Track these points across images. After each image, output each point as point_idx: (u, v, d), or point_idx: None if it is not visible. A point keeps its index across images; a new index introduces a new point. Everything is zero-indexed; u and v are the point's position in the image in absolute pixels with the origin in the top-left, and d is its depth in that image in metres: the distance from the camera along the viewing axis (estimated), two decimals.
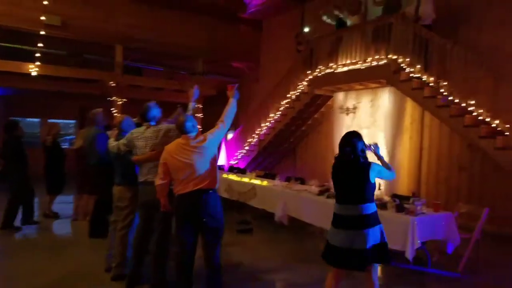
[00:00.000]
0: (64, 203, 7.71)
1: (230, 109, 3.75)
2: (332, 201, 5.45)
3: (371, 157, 3.49)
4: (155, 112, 4.19)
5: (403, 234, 4.45)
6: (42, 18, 9.63)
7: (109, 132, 5.40)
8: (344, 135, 3.51)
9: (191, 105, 4.08)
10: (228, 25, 12.21)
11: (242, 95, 13.43)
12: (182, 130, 3.61)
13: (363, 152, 3.40)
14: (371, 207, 3.34)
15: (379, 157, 3.62)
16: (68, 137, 15.67)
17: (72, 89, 11.43)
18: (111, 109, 11.14)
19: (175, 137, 3.89)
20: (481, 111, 5.99)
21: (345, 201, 3.35)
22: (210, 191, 3.56)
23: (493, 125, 5.88)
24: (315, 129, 10.37)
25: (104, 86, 11.15)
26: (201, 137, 3.59)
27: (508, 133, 5.66)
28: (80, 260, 5.02)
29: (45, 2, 9.65)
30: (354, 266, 3.26)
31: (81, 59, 11.77)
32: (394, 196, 5.42)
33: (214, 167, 3.67)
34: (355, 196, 3.31)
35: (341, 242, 3.26)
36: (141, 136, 4.07)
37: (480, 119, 6.03)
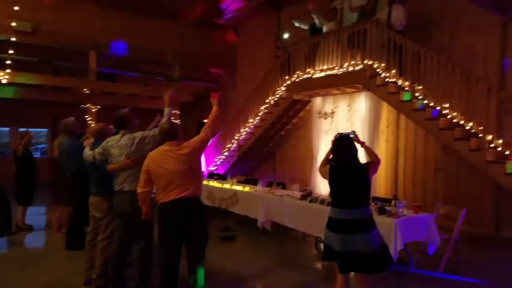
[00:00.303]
0: (37, 215, 7.43)
1: (215, 116, 3.70)
2: (314, 205, 5.58)
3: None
4: (129, 119, 4.12)
5: (386, 236, 4.44)
6: (13, 24, 9.34)
7: (85, 142, 5.26)
8: (339, 139, 3.56)
9: (167, 110, 3.96)
10: (204, 30, 12.15)
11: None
12: (166, 137, 3.55)
13: (357, 154, 3.47)
14: (370, 210, 3.39)
15: (362, 143, 3.66)
16: (39, 146, 15.18)
17: (44, 97, 11.14)
18: (85, 116, 10.88)
19: (151, 144, 3.85)
20: (455, 114, 6.15)
21: (343, 205, 3.35)
22: (194, 200, 3.50)
23: (467, 128, 6.03)
24: (294, 133, 10.43)
25: (77, 93, 10.89)
26: (185, 145, 3.53)
27: (481, 135, 5.83)
28: (58, 273, 4.83)
29: (16, 8, 9.36)
30: (362, 269, 3.28)
31: (53, 66, 11.46)
32: (375, 199, 5.49)
33: (199, 176, 3.61)
34: (353, 199, 3.33)
35: (344, 246, 3.26)
36: (116, 144, 3.98)
37: (454, 122, 6.20)
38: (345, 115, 8.13)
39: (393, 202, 5.05)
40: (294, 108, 9.34)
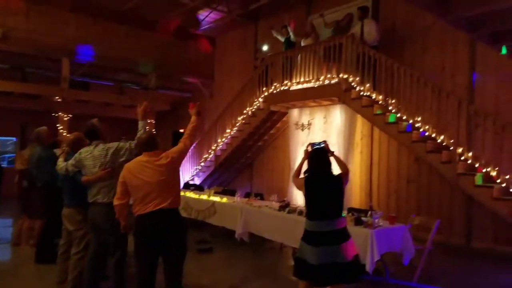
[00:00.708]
0: (2, 227, 7.10)
1: (193, 126, 3.67)
2: (292, 216, 5.59)
3: None
4: (100, 128, 4.05)
5: (362, 247, 4.52)
6: None
7: (56, 151, 5.09)
8: (315, 151, 3.63)
9: (141, 124, 3.86)
10: (181, 40, 12.09)
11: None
12: (144, 148, 3.48)
13: (331, 165, 3.54)
14: (344, 221, 3.43)
15: (332, 153, 3.73)
16: (7, 156, 14.59)
17: (13, 105, 10.75)
18: (57, 125, 10.57)
19: (126, 156, 3.82)
20: (428, 127, 6.33)
21: (319, 217, 3.37)
22: (173, 211, 3.43)
23: (439, 141, 6.22)
24: (271, 144, 10.47)
25: (48, 101, 10.57)
26: (164, 155, 3.46)
27: (452, 148, 6.01)
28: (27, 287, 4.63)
29: None
30: (342, 279, 3.29)
31: (24, 73, 11.11)
32: (351, 209, 5.55)
33: (177, 186, 3.55)
34: (329, 210, 3.36)
35: (322, 259, 3.26)
36: (90, 155, 3.90)
37: (426, 135, 6.37)
38: (321, 127, 8.24)
39: (369, 213, 5.11)
40: (271, 119, 9.39)
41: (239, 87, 10.17)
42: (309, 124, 8.47)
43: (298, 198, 8.10)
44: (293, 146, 8.89)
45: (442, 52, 7.27)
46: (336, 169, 3.66)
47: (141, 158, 3.48)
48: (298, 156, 8.67)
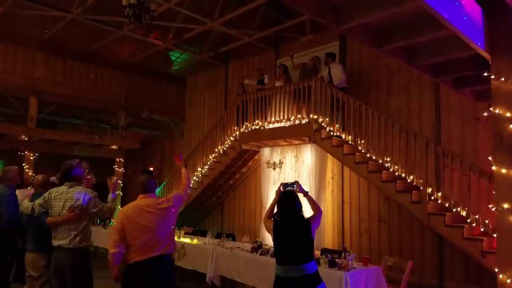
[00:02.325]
0: None
1: (187, 177, 3.71)
2: (265, 258, 5.27)
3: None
4: (78, 171, 3.89)
5: None
6: None
7: (20, 192, 4.66)
8: (284, 194, 3.53)
9: (111, 198, 3.80)
10: (151, 79, 11.88)
11: (167, 149, 12.91)
12: (144, 190, 3.37)
13: (301, 209, 3.42)
14: (314, 265, 3.26)
15: (305, 193, 3.68)
16: None
17: None
18: (23, 164, 9.93)
19: (98, 209, 3.71)
20: (397, 167, 6.25)
21: (289, 262, 3.21)
22: (170, 257, 3.36)
23: (409, 180, 6.13)
24: (242, 183, 10.16)
25: (14, 140, 9.97)
26: (164, 199, 3.40)
27: (422, 188, 5.93)
28: None
29: None
30: None
31: None
32: (325, 250, 5.30)
33: (173, 231, 3.51)
34: (300, 255, 3.21)
35: None
36: (60, 196, 3.67)
37: (396, 175, 6.28)
38: (293, 166, 8.07)
39: (343, 254, 4.89)
40: (243, 157, 9.15)
41: (210, 126, 9.94)
42: (281, 163, 8.29)
43: (270, 238, 7.77)
44: (264, 185, 8.64)
45: (408, 95, 7.34)
46: (308, 210, 3.57)
47: (140, 202, 3.32)
48: (269, 195, 8.43)
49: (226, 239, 6.60)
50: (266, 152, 8.75)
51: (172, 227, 3.42)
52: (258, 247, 5.66)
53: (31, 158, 10.13)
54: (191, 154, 10.02)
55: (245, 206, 9.93)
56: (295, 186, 3.65)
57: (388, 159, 6.34)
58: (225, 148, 9.08)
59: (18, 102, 10.19)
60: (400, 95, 7.45)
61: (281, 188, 3.70)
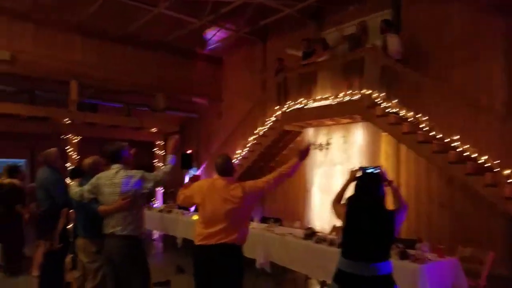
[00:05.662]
0: None
1: (287, 170, 3.36)
2: (322, 247, 4.48)
3: None
4: (126, 154, 3.49)
5: (410, 285, 3.57)
6: None
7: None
8: (365, 177, 2.90)
9: (170, 157, 3.44)
10: (187, 60, 11.17)
11: (204, 131, 12.17)
12: (219, 172, 3.27)
13: (384, 198, 2.76)
14: (390, 266, 2.59)
15: (390, 182, 2.97)
16: None
17: (21, 127, 9.81)
18: (65, 148, 9.59)
19: (150, 189, 3.37)
20: (467, 146, 5.24)
21: (359, 257, 2.58)
22: (235, 248, 3.11)
23: (480, 161, 5.13)
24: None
25: (57, 124, 9.67)
26: (239, 185, 3.17)
27: (498, 169, 4.92)
28: None
29: None
30: None
31: (32, 96, 10.18)
32: (395, 240, 4.45)
33: (247, 222, 3.31)
34: (374, 251, 2.58)
35: None
36: (109, 182, 3.29)
37: (465, 155, 5.28)
38: (341, 147, 7.18)
39: (418, 245, 4.10)
40: (284, 139, 8.32)
41: (248, 106, 9.14)
42: (328, 144, 7.40)
43: (316, 223, 7.00)
44: (308, 168, 7.80)
45: (476, 67, 6.11)
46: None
47: (217, 180, 3.22)
48: (314, 178, 7.61)
49: (273, 223, 5.88)
50: (310, 132, 7.88)
51: (246, 216, 3.26)
52: (311, 234, 5.00)
53: (74, 141, 9.79)
54: (229, 137, 9.28)
55: (287, 189, 9.11)
56: (377, 172, 2.93)
57: (457, 137, 5.33)
58: (265, 130, 8.27)
59: (59, 86, 9.80)
60: (466, 67, 6.28)
61: (356, 173, 3.02)
